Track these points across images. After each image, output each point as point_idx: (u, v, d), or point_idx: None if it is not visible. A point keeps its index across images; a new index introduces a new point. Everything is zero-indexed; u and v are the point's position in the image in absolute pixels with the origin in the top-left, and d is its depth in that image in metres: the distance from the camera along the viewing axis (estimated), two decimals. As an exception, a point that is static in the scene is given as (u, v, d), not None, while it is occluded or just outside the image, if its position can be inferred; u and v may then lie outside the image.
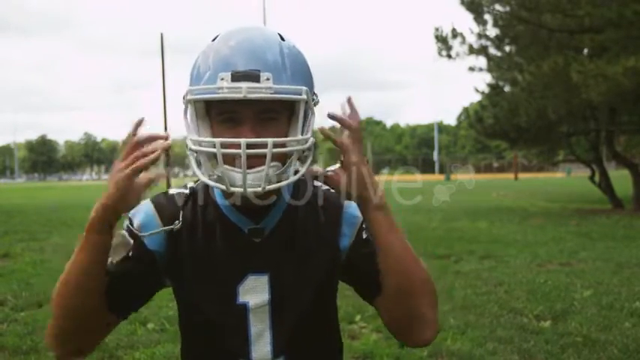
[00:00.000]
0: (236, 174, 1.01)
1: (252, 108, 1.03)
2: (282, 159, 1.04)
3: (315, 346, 1.22)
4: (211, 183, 1.03)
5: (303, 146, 1.05)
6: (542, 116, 12.55)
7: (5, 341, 3.90)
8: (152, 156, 0.99)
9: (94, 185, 53.14)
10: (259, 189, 1.00)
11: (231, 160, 1.01)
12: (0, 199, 24.40)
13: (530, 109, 12.64)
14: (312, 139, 1.07)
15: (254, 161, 1.00)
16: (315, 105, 1.10)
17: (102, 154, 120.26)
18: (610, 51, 11.33)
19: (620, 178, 18.28)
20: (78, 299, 1.04)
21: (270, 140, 0.99)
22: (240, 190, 1.00)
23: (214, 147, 1.00)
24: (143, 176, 1.00)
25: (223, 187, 1.01)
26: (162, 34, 27.24)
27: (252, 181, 1.01)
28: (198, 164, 1.05)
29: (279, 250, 1.16)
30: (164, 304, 4.67)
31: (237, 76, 1.00)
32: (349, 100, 1.08)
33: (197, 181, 1.20)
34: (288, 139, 1.03)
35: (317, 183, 1.24)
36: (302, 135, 1.05)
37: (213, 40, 1.09)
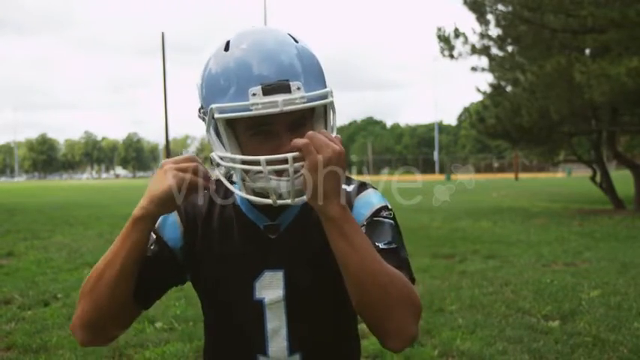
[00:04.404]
0: (281, 184, 1.02)
1: (287, 119, 1.02)
2: None
3: (333, 344, 1.21)
4: (255, 199, 1.06)
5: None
6: (545, 116, 12.54)
7: (14, 340, 3.89)
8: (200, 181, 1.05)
9: (94, 184, 53.13)
10: (289, 201, 1.02)
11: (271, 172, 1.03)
12: (1, 198, 24.40)
13: (532, 109, 12.63)
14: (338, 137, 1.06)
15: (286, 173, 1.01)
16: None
17: (102, 152, 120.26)
18: (613, 51, 11.34)
19: (620, 178, 18.30)
20: (117, 287, 1.05)
21: (289, 155, 0.98)
22: (289, 201, 1.02)
23: (258, 164, 1.00)
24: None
25: (269, 201, 1.03)
26: (163, 34, 27.28)
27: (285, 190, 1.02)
28: (229, 179, 1.11)
29: (294, 247, 1.16)
30: (172, 303, 4.67)
31: (268, 89, 0.98)
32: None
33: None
34: None
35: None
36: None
37: (226, 48, 1.05)
